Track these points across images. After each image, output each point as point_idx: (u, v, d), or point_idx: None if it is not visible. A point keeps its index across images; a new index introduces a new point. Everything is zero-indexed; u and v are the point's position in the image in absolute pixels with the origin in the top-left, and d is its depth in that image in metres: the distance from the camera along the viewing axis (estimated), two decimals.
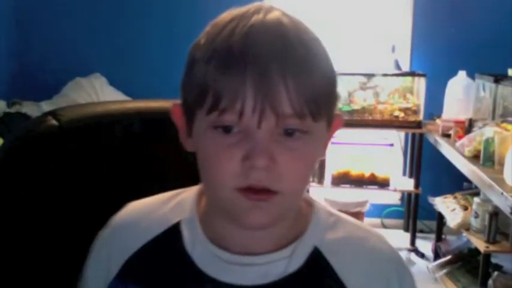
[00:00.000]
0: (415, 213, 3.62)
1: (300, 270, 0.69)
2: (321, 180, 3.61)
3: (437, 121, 3.42)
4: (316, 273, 0.69)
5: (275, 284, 0.68)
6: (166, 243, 0.72)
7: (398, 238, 3.72)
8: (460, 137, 2.98)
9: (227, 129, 0.63)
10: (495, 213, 2.70)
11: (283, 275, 0.68)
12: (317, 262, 0.69)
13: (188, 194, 0.75)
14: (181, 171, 0.79)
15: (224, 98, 0.61)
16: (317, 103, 0.63)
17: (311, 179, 3.61)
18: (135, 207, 0.77)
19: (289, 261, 0.69)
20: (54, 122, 0.84)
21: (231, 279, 0.68)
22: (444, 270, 3.13)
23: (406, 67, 3.73)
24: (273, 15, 0.64)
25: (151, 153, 0.90)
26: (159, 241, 0.72)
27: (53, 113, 0.86)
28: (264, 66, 0.60)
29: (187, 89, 0.67)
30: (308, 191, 3.34)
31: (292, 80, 0.61)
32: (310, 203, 0.74)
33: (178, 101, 0.70)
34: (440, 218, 3.32)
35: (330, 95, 0.66)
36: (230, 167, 0.62)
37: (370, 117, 3.54)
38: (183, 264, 0.70)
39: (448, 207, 3.14)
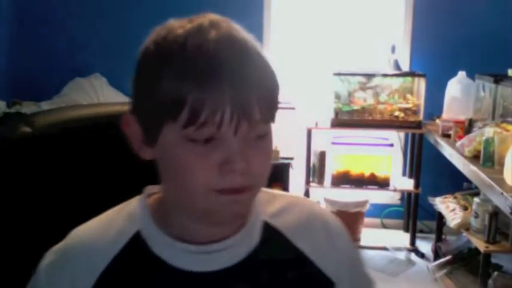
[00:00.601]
0: (415, 213, 3.62)
1: (259, 244, 0.77)
2: (320, 180, 3.61)
3: (437, 121, 3.42)
4: (273, 243, 0.78)
5: (242, 262, 0.75)
6: (134, 253, 0.74)
7: (398, 238, 3.72)
8: (460, 137, 2.98)
9: (204, 141, 0.67)
10: (495, 213, 2.70)
11: (247, 253, 0.76)
12: (270, 234, 0.78)
13: (133, 206, 0.78)
14: (151, 173, 0.80)
15: (203, 112, 0.65)
16: (276, 108, 0.72)
17: (311, 179, 3.61)
18: (83, 232, 0.78)
19: (249, 240, 0.76)
20: (27, 128, 0.84)
21: (203, 267, 0.74)
22: (444, 270, 3.13)
23: (406, 67, 3.73)
24: (228, 28, 0.70)
25: (124, 157, 0.91)
26: (125, 254, 0.74)
27: (25, 120, 0.86)
28: (237, 79, 0.66)
29: (152, 102, 0.68)
30: (308, 191, 3.32)
31: (259, 89, 0.68)
32: None
33: (128, 111, 0.73)
34: (440, 218, 3.32)
35: (278, 99, 0.74)
36: (207, 172, 0.67)
37: (370, 118, 3.54)
38: (156, 267, 0.74)
39: (448, 207, 3.14)
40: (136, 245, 0.74)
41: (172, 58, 0.67)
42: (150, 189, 0.80)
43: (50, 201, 0.85)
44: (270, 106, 0.70)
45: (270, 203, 0.82)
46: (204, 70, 0.65)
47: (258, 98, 0.68)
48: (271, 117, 0.71)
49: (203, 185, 0.68)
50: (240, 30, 0.72)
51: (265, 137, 0.71)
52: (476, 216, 2.83)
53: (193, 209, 0.73)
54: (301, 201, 0.87)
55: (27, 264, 0.79)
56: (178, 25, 0.71)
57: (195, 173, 0.68)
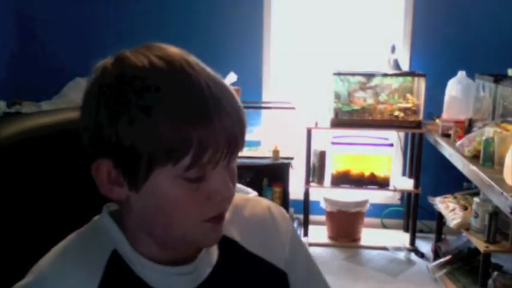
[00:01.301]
0: (414, 213, 3.63)
1: (219, 259, 0.81)
2: (320, 180, 3.61)
3: (437, 121, 3.42)
4: (230, 255, 0.82)
5: (211, 276, 0.79)
6: (117, 274, 0.74)
7: (398, 238, 3.72)
8: (459, 137, 2.98)
9: (201, 179, 0.69)
10: (495, 213, 2.70)
11: (212, 268, 0.80)
12: (226, 246, 0.82)
13: (102, 226, 0.77)
14: None
15: (205, 155, 0.67)
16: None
17: (311, 179, 3.61)
18: (61, 254, 0.74)
19: (209, 256, 0.80)
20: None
21: (183, 287, 0.77)
22: (444, 270, 3.13)
23: (405, 67, 3.73)
24: (201, 66, 0.70)
25: (83, 165, 0.91)
26: (110, 276, 0.73)
27: None
28: (229, 117, 0.68)
29: (145, 148, 0.66)
30: (308, 191, 3.32)
31: (242, 123, 0.71)
32: None
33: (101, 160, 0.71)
34: (440, 218, 3.32)
35: None
36: (198, 205, 0.70)
37: (370, 117, 3.54)
38: (140, 286, 0.75)
39: (448, 207, 3.14)
40: (116, 265, 0.74)
41: (161, 100, 0.66)
42: (110, 206, 0.79)
43: (17, 212, 0.84)
44: (244, 132, 0.73)
45: None
46: (199, 112, 0.66)
47: (242, 132, 0.71)
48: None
49: (194, 217, 0.71)
50: (206, 66, 0.72)
51: (233, 161, 0.74)
52: (476, 216, 2.83)
53: (176, 239, 0.74)
54: (244, 202, 0.89)
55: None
56: (147, 62, 0.68)
57: (187, 208, 0.70)
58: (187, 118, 0.65)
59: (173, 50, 0.72)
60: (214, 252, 0.81)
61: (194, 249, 0.79)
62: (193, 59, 0.71)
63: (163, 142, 0.65)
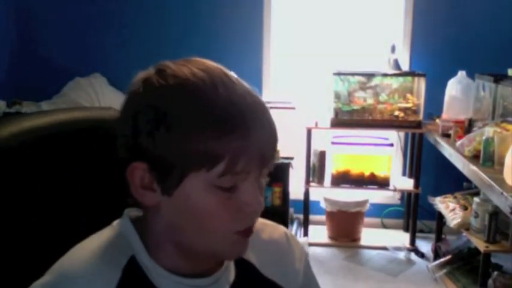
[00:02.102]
0: (415, 213, 3.63)
1: (236, 280, 0.82)
2: (320, 180, 3.61)
3: (437, 121, 3.42)
4: (246, 278, 0.84)
5: None
6: (133, 281, 0.74)
7: (398, 238, 3.72)
8: (459, 137, 2.98)
9: (233, 188, 0.71)
10: (495, 213, 2.70)
11: (229, 286, 0.81)
12: (243, 267, 0.83)
13: (120, 231, 0.78)
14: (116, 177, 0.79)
15: (239, 163, 0.69)
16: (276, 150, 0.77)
17: (311, 179, 3.62)
18: (76, 265, 0.74)
19: (228, 275, 0.81)
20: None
21: None
22: (444, 270, 3.13)
23: (405, 67, 3.73)
24: (239, 81, 0.73)
25: (87, 164, 0.91)
26: (126, 282, 0.73)
27: None
28: (261, 128, 0.71)
29: (173, 152, 0.69)
30: (308, 191, 3.32)
31: (275, 138, 0.74)
32: None
33: (138, 163, 0.72)
34: (440, 218, 3.32)
35: None
36: (229, 216, 0.72)
37: (370, 117, 3.54)
38: None
39: (448, 207, 3.14)
40: (133, 272, 0.74)
41: (197, 110, 0.69)
42: (131, 211, 0.80)
43: (29, 209, 0.84)
44: (276, 145, 0.75)
45: None
46: (234, 121, 0.69)
47: (274, 146, 0.74)
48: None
49: (224, 228, 0.72)
50: (242, 80, 0.75)
51: (264, 175, 0.76)
52: (476, 216, 2.83)
53: (205, 250, 0.75)
54: (262, 225, 0.89)
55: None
56: (188, 72, 0.71)
57: (218, 217, 0.71)
58: (223, 127, 0.68)
59: (212, 63, 0.74)
60: (232, 271, 0.82)
61: (215, 261, 0.80)
62: (230, 72, 0.74)
63: (199, 148, 0.68)
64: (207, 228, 0.72)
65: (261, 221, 0.89)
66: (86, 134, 0.93)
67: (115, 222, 0.79)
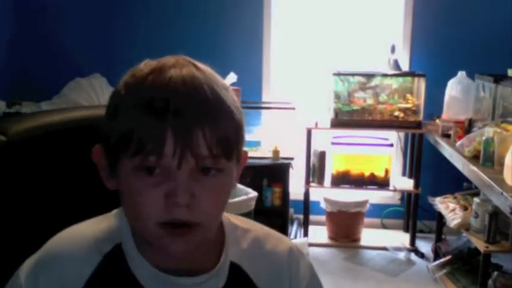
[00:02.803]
0: (415, 213, 3.63)
1: (227, 283, 0.80)
2: (320, 180, 3.61)
3: (437, 121, 3.42)
4: (238, 282, 0.82)
5: None
6: (113, 267, 0.77)
7: (398, 238, 3.72)
8: (459, 137, 2.98)
9: (150, 170, 0.70)
10: (495, 213, 2.70)
11: None
12: (236, 275, 0.81)
13: (113, 219, 0.81)
14: None
15: (148, 143, 0.69)
16: (229, 145, 0.72)
17: (311, 179, 3.62)
18: (66, 240, 0.79)
19: (216, 281, 0.80)
20: (1, 137, 0.84)
21: None
22: (444, 270, 3.13)
23: (405, 67, 3.73)
24: (188, 69, 0.73)
25: (84, 163, 0.91)
26: (106, 266, 0.77)
27: None
28: (183, 115, 0.69)
29: (110, 134, 0.73)
30: (308, 191, 3.30)
31: (207, 126, 0.70)
32: (221, 223, 0.84)
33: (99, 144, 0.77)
34: (440, 218, 3.32)
35: (238, 136, 0.75)
36: (153, 204, 0.70)
37: (370, 118, 3.54)
38: (131, 285, 0.77)
39: (448, 207, 3.14)
40: (116, 258, 0.77)
41: (128, 92, 0.72)
42: None
43: (26, 208, 0.85)
44: (221, 143, 0.71)
45: (238, 241, 0.85)
46: (152, 104, 0.69)
47: (206, 134, 0.69)
48: (224, 155, 0.72)
49: (150, 217, 0.71)
50: (205, 72, 0.74)
51: (218, 173, 0.72)
52: (476, 216, 2.83)
53: (148, 240, 0.75)
54: (266, 236, 0.88)
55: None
56: (146, 64, 0.75)
57: (144, 204, 0.71)
58: (136, 108, 0.70)
59: (181, 56, 0.75)
60: (223, 276, 0.81)
61: (177, 259, 0.77)
62: (186, 62, 0.74)
63: (118, 129, 0.71)
64: (137, 215, 0.72)
65: (266, 232, 0.88)
66: (84, 132, 0.94)
67: (113, 211, 0.82)
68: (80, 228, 0.80)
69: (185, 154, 0.69)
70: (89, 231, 0.79)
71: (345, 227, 3.71)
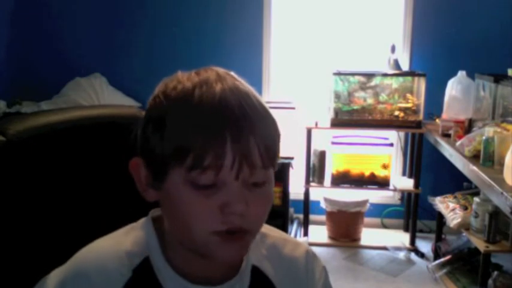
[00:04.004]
0: (415, 213, 3.63)
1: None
2: (320, 180, 3.61)
3: (437, 121, 3.42)
4: (260, 287, 0.84)
5: None
6: (143, 280, 0.77)
7: (398, 238, 3.72)
8: (459, 137, 2.98)
9: (206, 185, 0.71)
10: (495, 213, 2.70)
11: None
12: (258, 278, 0.84)
13: (141, 230, 0.81)
14: (125, 175, 0.80)
15: (206, 158, 0.69)
16: (275, 153, 0.76)
17: (311, 179, 3.62)
18: (95, 254, 0.79)
19: (241, 283, 0.81)
20: (0, 137, 0.84)
21: None
22: (444, 270, 3.13)
23: (405, 67, 3.73)
24: (231, 81, 0.74)
25: (98, 159, 0.92)
26: (136, 280, 0.77)
27: None
28: (238, 127, 0.70)
29: (156, 146, 0.73)
30: (308, 191, 3.31)
31: (260, 137, 0.72)
32: None
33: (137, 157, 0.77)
34: (440, 218, 3.32)
35: (279, 145, 0.78)
36: (208, 214, 0.71)
37: (370, 117, 3.54)
38: None
39: (448, 207, 3.14)
40: (145, 272, 0.77)
41: (178, 107, 0.72)
42: (155, 212, 0.82)
43: (26, 209, 0.85)
44: (270, 153, 0.74)
45: (258, 245, 0.87)
46: (208, 118, 0.70)
47: (259, 145, 0.72)
48: (271, 164, 0.75)
49: (203, 228, 0.72)
50: (244, 84, 0.76)
51: (265, 184, 0.75)
52: (476, 216, 2.83)
53: (194, 249, 0.76)
54: (283, 241, 0.90)
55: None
56: (186, 78, 0.75)
57: (197, 216, 0.72)
58: (191, 123, 0.70)
59: (219, 70, 0.76)
60: (246, 281, 0.82)
61: (222, 266, 0.80)
62: (225, 75, 0.75)
63: (170, 142, 0.71)
64: (188, 225, 0.73)
65: (283, 237, 0.91)
66: (84, 132, 0.94)
67: (140, 221, 0.82)
68: (108, 243, 0.79)
69: (242, 165, 0.71)
70: (116, 245, 0.78)
71: (345, 226, 3.71)
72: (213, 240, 0.72)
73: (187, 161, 0.70)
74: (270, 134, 0.75)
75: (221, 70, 0.76)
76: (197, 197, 0.71)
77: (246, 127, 0.71)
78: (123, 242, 0.79)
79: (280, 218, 3.53)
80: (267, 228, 0.89)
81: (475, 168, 2.55)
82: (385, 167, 3.62)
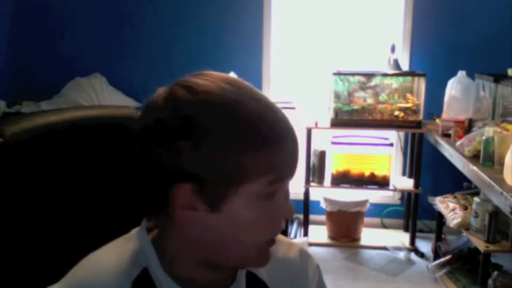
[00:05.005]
0: (415, 213, 3.63)
1: None
2: (320, 179, 3.61)
3: (437, 121, 3.42)
4: None
5: None
6: None
7: (398, 238, 3.72)
8: (459, 137, 2.98)
9: (272, 196, 0.74)
10: (495, 213, 2.70)
11: None
12: (254, 283, 0.84)
13: (136, 242, 0.79)
14: (122, 175, 0.80)
15: (285, 168, 0.74)
16: None
17: (311, 179, 3.62)
18: (93, 268, 0.77)
19: None
20: None
21: None
22: (444, 270, 3.13)
23: (405, 67, 3.73)
24: (260, 92, 0.78)
25: (97, 160, 0.92)
26: None
27: None
28: (290, 138, 0.75)
29: (215, 171, 0.70)
30: (308, 191, 3.31)
31: (297, 144, 0.77)
32: None
33: (184, 183, 0.71)
34: (440, 218, 3.32)
35: None
36: (267, 225, 0.75)
37: (370, 117, 3.54)
38: None
39: (448, 207, 3.14)
40: (144, 283, 0.76)
41: (251, 131, 0.71)
42: (147, 223, 0.81)
43: (24, 210, 0.85)
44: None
45: None
46: (270, 136, 0.72)
47: (298, 153, 0.77)
48: None
49: (261, 237, 0.75)
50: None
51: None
52: (476, 216, 2.83)
53: (234, 263, 0.78)
54: (277, 243, 0.88)
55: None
56: (219, 90, 0.73)
57: (258, 227, 0.74)
58: (257, 140, 0.71)
59: (233, 77, 0.78)
60: (242, 286, 0.82)
61: (229, 273, 0.81)
62: (253, 86, 0.79)
63: (236, 164, 0.70)
64: (246, 240, 0.74)
65: (283, 242, 0.91)
66: (83, 132, 0.94)
67: (132, 232, 0.80)
68: (105, 256, 0.78)
69: (295, 173, 0.76)
70: (114, 257, 0.77)
71: (344, 226, 3.71)
72: (264, 247, 0.76)
73: (260, 179, 0.71)
74: (296, 133, 0.78)
75: (237, 78, 0.79)
76: (259, 210, 0.73)
77: (290, 134, 0.75)
78: (120, 254, 0.77)
79: None
80: None
81: (475, 168, 2.55)
82: (386, 171, 3.61)
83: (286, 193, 0.77)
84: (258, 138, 0.71)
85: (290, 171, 0.75)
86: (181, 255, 0.77)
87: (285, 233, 3.42)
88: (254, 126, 0.71)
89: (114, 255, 0.77)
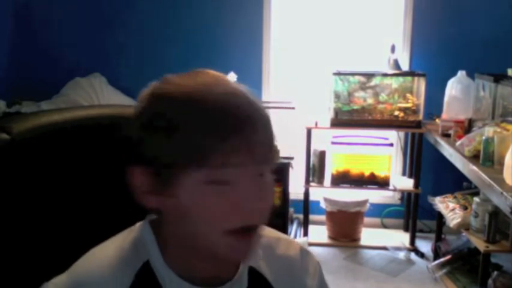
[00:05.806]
0: (415, 213, 3.63)
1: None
2: (320, 180, 3.61)
3: (437, 121, 3.42)
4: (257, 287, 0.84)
5: None
6: (145, 283, 0.77)
7: (398, 238, 3.72)
8: (459, 137, 2.98)
9: (226, 182, 0.71)
10: (495, 213, 2.70)
11: None
12: (256, 279, 0.84)
13: (139, 235, 0.80)
14: (125, 175, 0.80)
15: (232, 155, 0.70)
16: (273, 149, 0.77)
17: (311, 179, 3.62)
18: (95, 262, 0.78)
19: (240, 284, 0.82)
20: (5, 135, 0.84)
21: None
22: (444, 270, 3.13)
23: (405, 67, 3.73)
24: (231, 83, 0.76)
25: (104, 158, 0.92)
26: (139, 285, 0.76)
27: (2, 127, 0.85)
28: (256, 127, 0.72)
29: (168, 152, 0.71)
30: (308, 191, 3.32)
31: (268, 135, 0.74)
32: None
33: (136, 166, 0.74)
34: (440, 218, 3.32)
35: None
36: (223, 212, 0.71)
37: (370, 117, 3.54)
38: None
39: (448, 206, 3.14)
40: (146, 276, 0.77)
41: (193, 111, 0.71)
42: (151, 217, 0.81)
43: (29, 208, 0.85)
44: (273, 148, 0.76)
45: None
46: (225, 118, 0.70)
47: (267, 141, 0.74)
48: (273, 158, 0.77)
49: (218, 225, 0.72)
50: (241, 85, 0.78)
51: (269, 177, 0.76)
52: (476, 216, 2.83)
53: (204, 251, 0.75)
54: (276, 240, 0.91)
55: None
56: (186, 80, 0.75)
57: (211, 214, 0.71)
58: (215, 126, 0.70)
59: (215, 73, 0.77)
60: (244, 282, 0.82)
61: (227, 266, 0.80)
62: (232, 81, 0.77)
63: (190, 146, 0.70)
64: (201, 228, 0.72)
65: (275, 236, 0.91)
66: (86, 131, 0.94)
67: (137, 225, 0.81)
68: (107, 249, 0.79)
69: (262, 163, 0.73)
70: (116, 251, 0.78)
71: (344, 226, 3.71)
72: (230, 240, 0.72)
73: (210, 162, 0.69)
74: (272, 131, 0.76)
75: (216, 73, 0.77)
76: (213, 196, 0.71)
77: (260, 128, 0.72)
78: (122, 247, 0.78)
79: (280, 218, 3.52)
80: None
81: (475, 168, 2.55)
82: (386, 171, 3.61)
83: (264, 184, 0.73)
84: (204, 125, 0.70)
85: (249, 156, 0.71)
86: (174, 246, 0.78)
87: (285, 233, 3.42)
88: (204, 114, 0.71)
89: (116, 249, 0.78)
